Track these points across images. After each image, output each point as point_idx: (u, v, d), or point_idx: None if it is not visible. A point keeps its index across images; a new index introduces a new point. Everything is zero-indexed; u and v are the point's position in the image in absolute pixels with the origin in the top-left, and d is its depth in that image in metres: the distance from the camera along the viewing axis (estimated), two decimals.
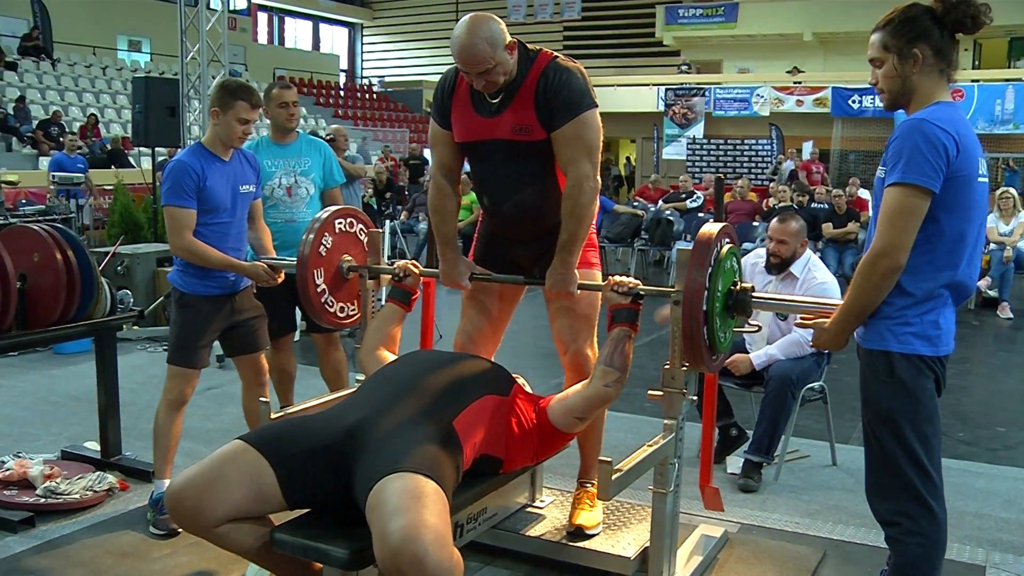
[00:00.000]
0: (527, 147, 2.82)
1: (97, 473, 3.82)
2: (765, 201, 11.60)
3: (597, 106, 2.82)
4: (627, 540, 2.99)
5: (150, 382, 5.41)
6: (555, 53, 2.85)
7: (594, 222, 2.99)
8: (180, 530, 3.19)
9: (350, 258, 3.36)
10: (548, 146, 2.81)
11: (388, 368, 2.72)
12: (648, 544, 2.82)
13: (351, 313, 3.41)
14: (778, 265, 4.18)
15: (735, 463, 4.15)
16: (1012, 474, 4.26)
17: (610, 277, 2.79)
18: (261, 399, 2.96)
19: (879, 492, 2.41)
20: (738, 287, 2.68)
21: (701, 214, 11.26)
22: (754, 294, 2.69)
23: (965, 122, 2.30)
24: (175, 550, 3.18)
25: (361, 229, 3.42)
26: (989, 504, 3.84)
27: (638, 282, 2.75)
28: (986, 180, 2.38)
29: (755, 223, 10.41)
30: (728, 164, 19.89)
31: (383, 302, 3.27)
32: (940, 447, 2.43)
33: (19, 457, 3.87)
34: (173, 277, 3.52)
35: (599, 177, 2.87)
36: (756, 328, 2.90)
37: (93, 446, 4.23)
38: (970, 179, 2.28)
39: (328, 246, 3.28)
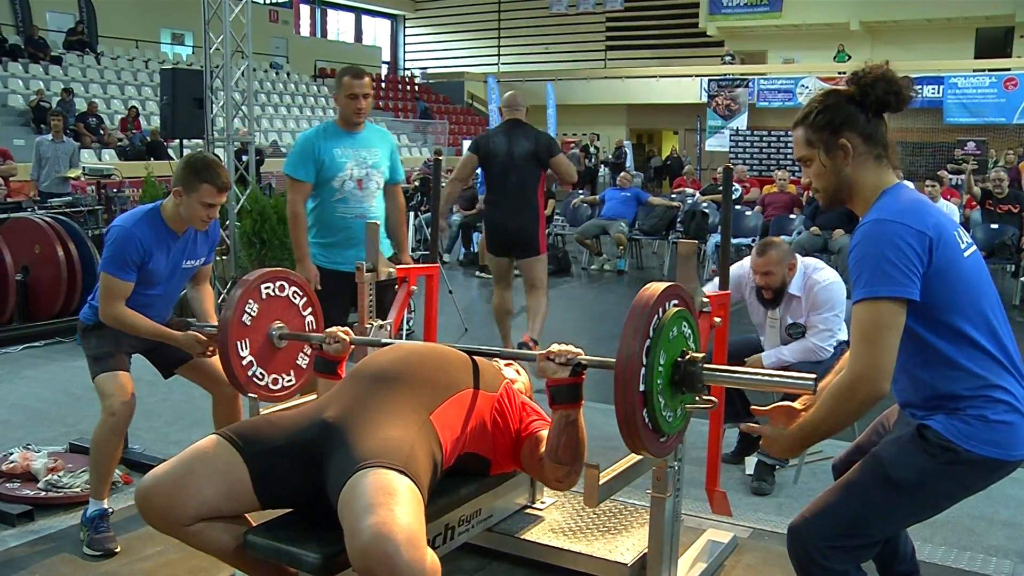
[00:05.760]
0: None
1: None
2: (805, 193, 11.33)
3: None
4: (626, 545, 2.86)
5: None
6: None
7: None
8: (118, 550, 3.14)
9: (281, 324, 3.04)
10: None
11: (367, 361, 2.63)
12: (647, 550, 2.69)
13: (286, 384, 3.09)
14: (772, 299, 3.94)
15: (754, 464, 4.00)
16: None
17: (548, 349, 2.38)
18: (250, 395, 2.89)
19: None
20: (687, 357, 2.22)
21: (738, 207, 11.03)
22: (706, 366, 2.21)
23: (924, 203, 2.02)
24: (166, 548, 3.11)
25: (296, 292, 3.08)
26: (1023, 511, 3.64)
27: (579, 351, 2.35)
28: (975, 248, 2.09)
29: (792, 215, 10.18)
30: (772, 156, 19.51)
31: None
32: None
33: (27, 449, 3.86)
34: (85, 313, 3.31)
35: None
36: (711, 404, 2.36)
37: None
38: (954, 261, 1.99)
39: (253, 314, 2.95)
